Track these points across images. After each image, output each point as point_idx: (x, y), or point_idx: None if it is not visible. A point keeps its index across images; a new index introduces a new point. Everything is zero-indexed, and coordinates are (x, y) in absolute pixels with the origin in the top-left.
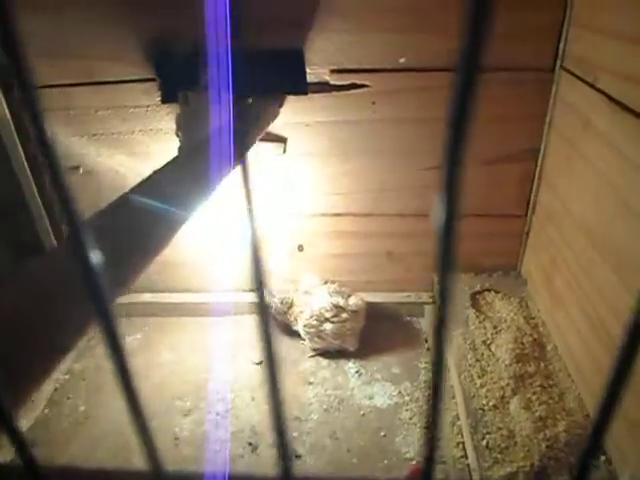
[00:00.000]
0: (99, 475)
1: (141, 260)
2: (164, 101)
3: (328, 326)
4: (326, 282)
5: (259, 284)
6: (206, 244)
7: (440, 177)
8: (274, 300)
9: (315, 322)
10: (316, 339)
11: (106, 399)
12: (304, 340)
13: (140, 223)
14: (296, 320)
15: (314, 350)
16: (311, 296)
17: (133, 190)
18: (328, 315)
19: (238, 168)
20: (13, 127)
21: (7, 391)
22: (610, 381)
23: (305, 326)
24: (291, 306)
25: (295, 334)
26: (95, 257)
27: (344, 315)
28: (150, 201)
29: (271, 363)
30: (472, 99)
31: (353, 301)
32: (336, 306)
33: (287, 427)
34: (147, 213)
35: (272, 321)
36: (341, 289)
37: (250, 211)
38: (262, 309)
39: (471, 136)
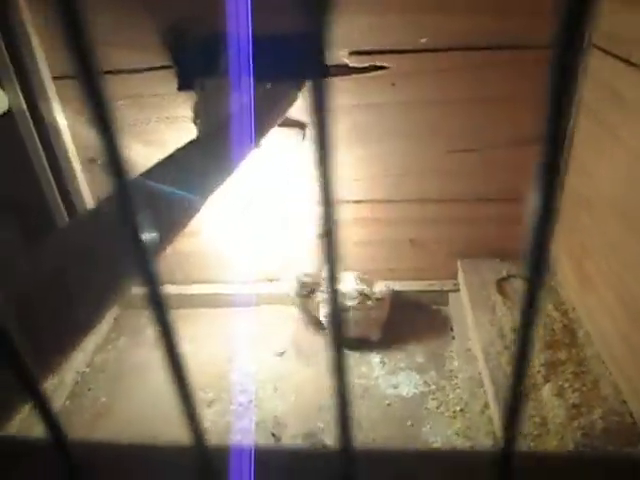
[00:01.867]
0: (134, 449)
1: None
2: (181, 88)
3: (351, 314)
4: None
5: (331, 270)
6: (227, 233)
7: (538, 161)
8: (294, 284)
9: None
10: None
11: (127, 391)
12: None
13: (147, 210)
14: (318, 307)
15: None
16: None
17: (142, 175)
18: (352, 303)
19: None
20: (30, 119)
21: (50, 350)
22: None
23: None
24: (312, 292)
25: (318, 323)
26: (141, 217)
27: (369, 303)
28: (159, 186)
29: (338, 347)
30: (573, 75)
31: (378, 289)
32: (361, 294)
33: (350, 404)
34: (155, 199)
35: (296, 308)
36: (365, 276)
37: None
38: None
39: (570, 114)
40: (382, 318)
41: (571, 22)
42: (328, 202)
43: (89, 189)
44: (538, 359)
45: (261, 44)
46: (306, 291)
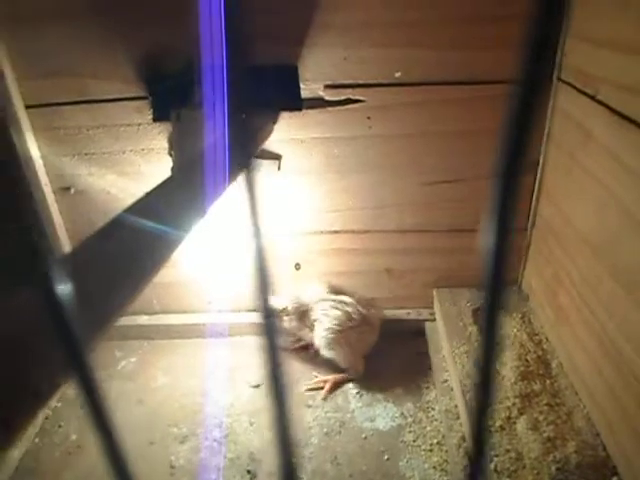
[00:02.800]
0: None
1: (136, 284)
2: (156, 119)
3: (352, 335)
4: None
5: (265, 302)
6: (203, 263)
7: (492, 193)
8: (287, 306)
9: (338, 327)
10: (333, 347)
11: None
12: (314, 355)
13: (134, 246)
14: (309, 328)
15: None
16: (334, 302)
17: (126, 211)
18: (352, 325)
19: (237, 184)
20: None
21: None
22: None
23: (326, 330)
24: (304, 315)
25: (306, 348)
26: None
27: (366, 328)
28: (144, 222)
29: (276, 385)
30: (532, 111)
31: (372, 313)
32: (362, 316)
33: (294, 455)
34: (141, 235)
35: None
36: (360, 299)
37: (256, 225)
38: (268, 327)
39: (529, 147)
40: (372, 344)
41: (533, 57)
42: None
43: (62, 218)
44: (513, 390)
45: (238, 76)
46: (300, 309)
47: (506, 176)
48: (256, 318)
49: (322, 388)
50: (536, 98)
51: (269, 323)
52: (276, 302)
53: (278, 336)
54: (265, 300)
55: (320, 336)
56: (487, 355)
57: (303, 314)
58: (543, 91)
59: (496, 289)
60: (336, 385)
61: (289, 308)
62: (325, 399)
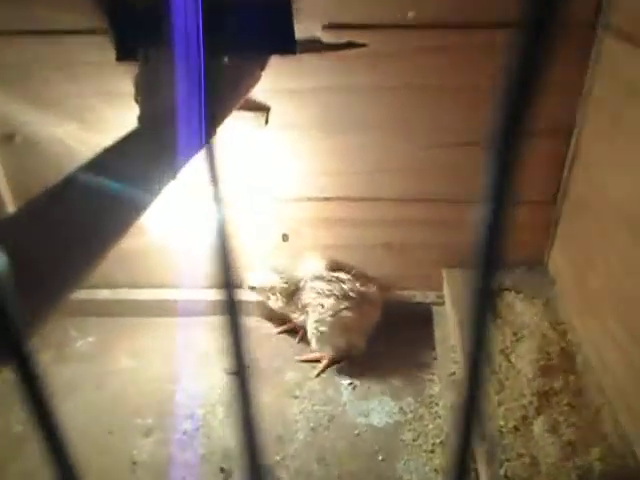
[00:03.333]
0: None
1: (93, 253)
2: (120, 58)
3: (351, 317)
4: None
5: (227, 279)
6: (175, 231)
7: (487, 158)
8: (275, 284)
9: (332, 320)
10: (326, 342)
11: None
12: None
13: (91, 208)
14: (300, 310)
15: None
16: (329, 281)
17: (83, 168)
18: (350, 305)
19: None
20: None
21: None
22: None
23: (317, 322)
24: (293, 294)
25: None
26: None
27: (366, 307)
28: (104, 181)
29: (242, 374)
30: (539, 59)
31: (373, 291)
32: (360, 294)
33: (261, 451)
34: (100, 196)
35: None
36: (359, 275)
37: (217, 196)
38: (232, 308)
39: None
40: (374, 325)
41: None
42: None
43: (3, 172)
44: (530, 387)
45: (217, 10)
46: (291, 288)
47: (502, 144)
48: (217, 295)
49: (318, 361)
50: (542, 46)
51: (231, 304)
52: (262, 278)
53: (242, 318)
54: (227, 277)
55: (311, 328)
56: (476, 350)
57: (293, 293)
58: (552, 38)
59: (486, 274)
60: (334, 362)
61: (276, 286)
62: (318, 376)
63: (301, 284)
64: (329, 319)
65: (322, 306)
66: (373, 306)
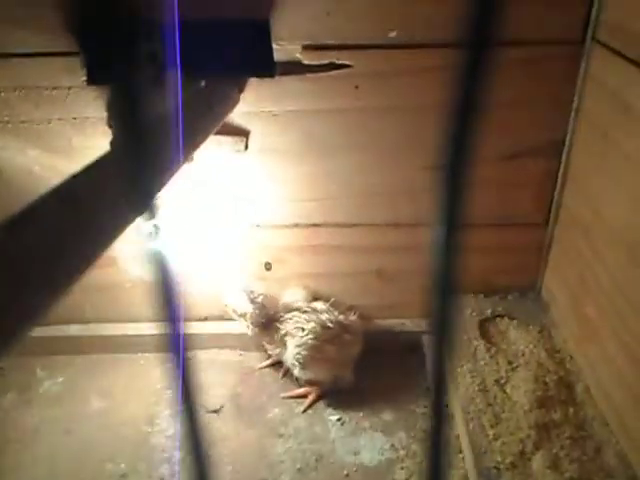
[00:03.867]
0: None
1: (54, 288)
2: (91, 82)
3: (331, 349)
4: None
5: (170, 313)
6: (145, 261)
7: (439, 180)
8: (246, 311)
9: (314, 342)
10: (310, 365)
11: (13, 465)
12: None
13: (54, 240)
14: (278, 340)
15: (306, 383)
16: (305, 312)
17: (46, 197)
18: (329, 336)
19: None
20: None
21: None
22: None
23: (299, 346)
24: (270, 323)
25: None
26: None
27: (346, 336)
28: (69, 210)
29: (190, 411)
30: (481, 81)
31: (353, 320)
32: (339, 324)
33: None
34: (64, 227)
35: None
36: (337, 304)
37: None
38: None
39: (478, 128)
40: (356, 355)
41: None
42: None
43: None
44: (527, 420)
45: (194, 31)
46: (264, 318)
47: (451, 166)
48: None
49: (305, 397)
50: (482, 65)
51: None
52: (235, 304)
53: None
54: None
55: (292, 354)
56: (436, 385)
57: (268, 324)
58: (490, 56)
59: (444, 297)
60: (323, 397)
61: (247, 314)
62: (305, 411)
63: (277, 315)
64: (311, 342)
65: (302, 329)
66: (354, 337)
